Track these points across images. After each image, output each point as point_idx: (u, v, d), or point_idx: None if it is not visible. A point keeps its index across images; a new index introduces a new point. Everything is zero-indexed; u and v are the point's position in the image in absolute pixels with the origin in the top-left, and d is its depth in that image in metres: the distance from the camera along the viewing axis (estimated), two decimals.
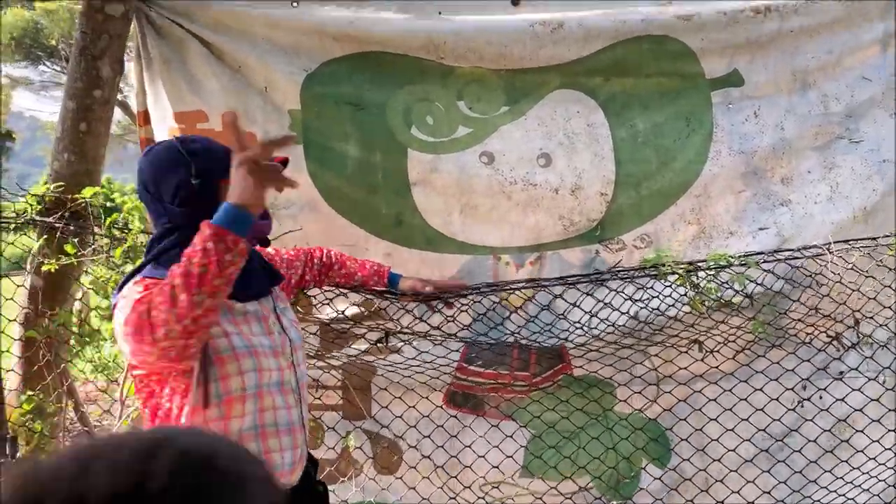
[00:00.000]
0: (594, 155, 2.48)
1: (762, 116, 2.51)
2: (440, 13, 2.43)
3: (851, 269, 2.27)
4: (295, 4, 2.43)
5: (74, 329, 2.33)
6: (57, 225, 2.23)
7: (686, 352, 2.38)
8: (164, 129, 2.49)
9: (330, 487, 2.46)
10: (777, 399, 2.40)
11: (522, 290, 2.48)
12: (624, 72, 2.48)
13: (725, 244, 2.50)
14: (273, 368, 1.54)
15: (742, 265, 2.28)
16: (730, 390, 2.44)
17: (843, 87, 2.52)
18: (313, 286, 2.14)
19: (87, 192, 2.26)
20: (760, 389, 2.38)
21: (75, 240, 2.22)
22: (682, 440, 2.49)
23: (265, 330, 1.57)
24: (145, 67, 2.47)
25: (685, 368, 2.46)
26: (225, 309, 1.48)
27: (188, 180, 1.50)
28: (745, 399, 2.41)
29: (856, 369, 2.44)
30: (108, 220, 2.23)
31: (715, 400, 2.45)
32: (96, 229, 2.25)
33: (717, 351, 2.37)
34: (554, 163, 2.47)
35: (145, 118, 2.53)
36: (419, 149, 2.44)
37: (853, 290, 2.31)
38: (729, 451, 2.45)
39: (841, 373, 2.46)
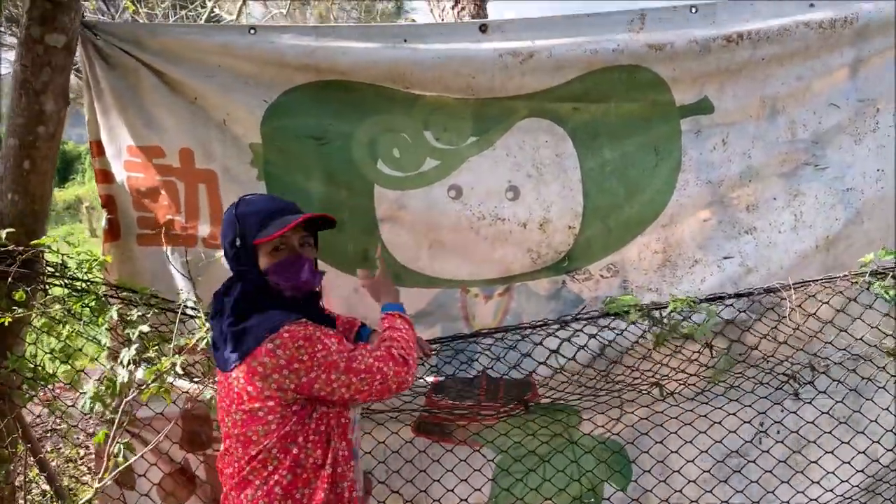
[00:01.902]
0: (562, 186, 2.45)
1: (730, 144, 2.50)
2: (405, 41, 2.33)
3: (808, 304, 2.32)
4: (252, 32, 2.30)
5: (28, 374, 2.26)
6: (7, 271, 2.14)
7: (648, 392, 2.43)
8: (120, 161, 2.39)
9: None
10: (735, 431, 2.47)
11: (492, 319, 2.50)
12: (594, 100, 2.43)
13: (690, 272, 2.53)
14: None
15: (705, 302, 2.31)
16: (691, 410, 2.51)
17: (810, 114, 2.51)
18: None
19: (44, 240, 2.17)
20: (719, 422, 2.45)
21: (28, 288, 2.13)
22: (642, 452, 2.56)
23: None
24: (96, 98, 2.35)
25: (649, 394, 2.51)
26: None
27: (234, 241, 1.73)
28: (705, 431, 2.48)
29: (819, 394, 2.51)
30: (64, 269, 2.15)
31: (677, 417, 2.51)
32: (52, 280, 2.16)
33: (678, 393, 2.42)
34: (522, 196, 2.44)
35: (99, 149, 2.42)
36: (385, 185, 2.38)
37: (808, 335, 2.36)
38: (688, 461, 2.52)
39: (796, 393, 2.54)
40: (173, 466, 2.50)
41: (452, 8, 4.91)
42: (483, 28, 2.36)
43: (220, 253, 2.39)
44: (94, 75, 2.30)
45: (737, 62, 2.41)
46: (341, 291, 2.41)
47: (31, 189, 2.25)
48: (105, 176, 2.42)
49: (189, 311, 2.23)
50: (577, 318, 2.33)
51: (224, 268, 2.36)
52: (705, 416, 2.47)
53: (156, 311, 2.22)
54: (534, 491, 2.54)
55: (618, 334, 2.34)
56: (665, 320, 2.32)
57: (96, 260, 2.19)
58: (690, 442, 2.47)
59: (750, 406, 2.46)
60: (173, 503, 2.50)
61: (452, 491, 2.49)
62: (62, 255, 2.20)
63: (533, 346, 2.37)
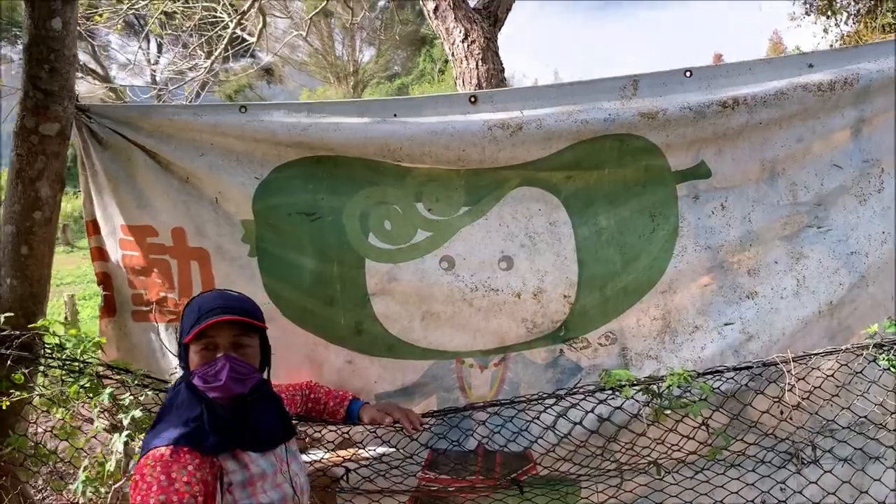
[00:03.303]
0: (556, 256, 2.42)
1: (729, 208, 2.45)
2: (395, 115, 2.33)
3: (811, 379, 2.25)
4: (243, 111, 2.32)
5: (29, 452, 2.29)
6: (6, 353, 2.17)
7: (645, 471, 2.38)
8: (115, 240, 2.42)
9: None
10: None
11: (488, 389, 2.48)
12: (586, 168, 2.40)
13: (691, 339, 2.48)
14: None
15: (703, 376, 2.25)
16: (691, 488, 2.44)
17: (812, 175, 2.46)
18: None
19: (42, 323, 2.20)
20: (721, 501, 2.38)
21: (26, 371, 2.17)
22: None
23: (274, 483, 1.63)
24: (90, 178, 2.38)
25: (647, 472, 2.45)
26: (241, 467, 1.57)
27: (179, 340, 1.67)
28: (721, 501, 2.42)
29: (824, 473, 2.44)
30: (61, 352, 2.18)
31: (677, 496, 2.45)
32: (49, 361, 2.19)
33: (677, 472, 2.37)
34: (516, 266, 2.42)
35: (94, 227, 2.45)
36: (376, 258, 2.37)
37: (811, 411, 2.29)
38: None
39: (799, 471, 2.46)
40: None
41: (462, 42, 4.92)
42: (473, 99, 2.35)
43: None
44: (89, 156, 2.33)
45: (733, 126, 2.37)
46: (333, 364, 2.40)
47: (30, 273, 2.29)
48: (101, 254, 2.44)
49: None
50: (573, 391, 2.29)
51: None
52: (706, 494, 2.40)
53: (148, 392, 2.23)
54: None
55: (614, 409, 2.29)
56: (663, 394, 2.27)
57: (91, 340, 2.21)
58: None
59: (752, 485, 2.39)
60: None
61: None
62: (58, 336, 2.23)
63: (529, 420, 2.34)
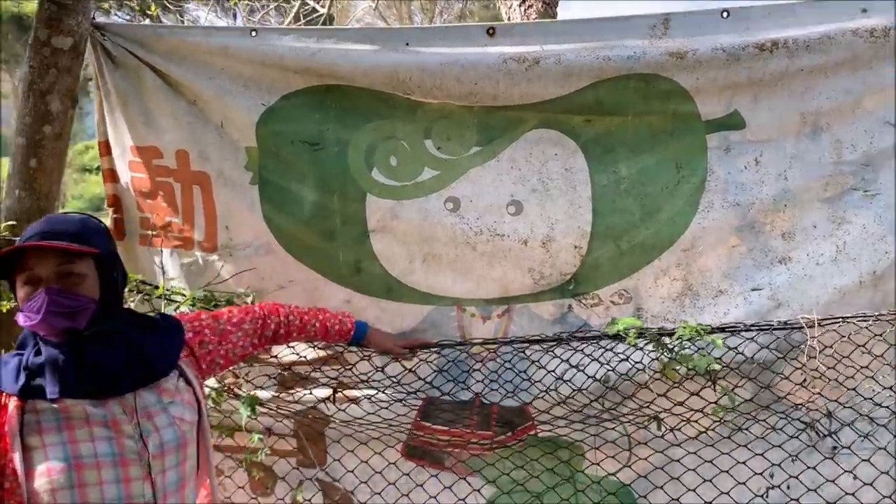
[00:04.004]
0: (570, 203, 2.28)
1: (764, 164, 2.25)
2: (407, 44, 2.24)
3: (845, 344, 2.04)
4: (253, 34, 2.28)
5: None
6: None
7: (645, 427, 2.20)
8: (124, 161, 2.42)
9: None
10: (745, 483, 2.20)
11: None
12: (609, 112, 2.25)
13: (713, 303, 2.29)
14: (110, 481, 1.38)
15: (714, 332, 2.08)
16: (712, 461, 2.25)
17: (860, 132, 2.23)
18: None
19: None
20: (728, 472, 2.19)
21: None
22: (650, 491, 2.31)
23: (111, 434, 1.40)
24: (104, 98, 2.40)
25: (661, 437, 2.28)
26: (58, 412, 1.37)
27: None
28: (711, 479, 2.22)
29: (848, 448, 2.21)
30: None
31: (695, 470, 2.26)
32: None
33: (679, 429, 2.19)
34: (525, 211, 2.28)
35: (106, 148, 2.46)
36: (379, 194, 2.29)
37: (831, 381, 2.08)
38: None
39: (833, 448, 2.24)
40: None
41: (520, 6, 4.82)
42: (491, 31, 2.23)
43: (216, 257, 2.38)
44: (103, 75, 2.34)
45: (771, 72, 2.17)
46: (331, 302, 2.32)
47: (38, 187, 2.31)
48: (112, 175, 2.45)
49: (175, 298, 2.20)
50: (574, 336, 2.15)
51: (217, 272, 2.37)
52: (711, 461, 2.20)
53: (144, 297, 2.21)
54: None
55: (620, 360, 2.14)
56: (672, 348, 2.10)
57: None
58: (694, 490, 2.22)
59: (762, 455, 2.18)
60: None
61: None
62: None
63: (530, 363, 2.21)
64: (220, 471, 2.41)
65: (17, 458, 1.34)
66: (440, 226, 2.28)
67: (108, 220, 2.51)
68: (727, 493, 2.22)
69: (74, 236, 1.42)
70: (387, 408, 2.29)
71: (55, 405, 1.37)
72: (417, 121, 2.29)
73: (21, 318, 1.40)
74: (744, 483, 2.20)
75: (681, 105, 2.23)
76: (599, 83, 2.20)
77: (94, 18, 2.29)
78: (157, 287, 2.24)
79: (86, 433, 1.38)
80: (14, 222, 2.24)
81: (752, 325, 2.06)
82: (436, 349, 2.28)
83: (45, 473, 1.34)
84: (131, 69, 2.31)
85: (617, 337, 2.13)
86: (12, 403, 1.37)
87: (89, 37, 2.28)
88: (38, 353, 1.42)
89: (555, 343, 2.19)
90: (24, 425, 1.36)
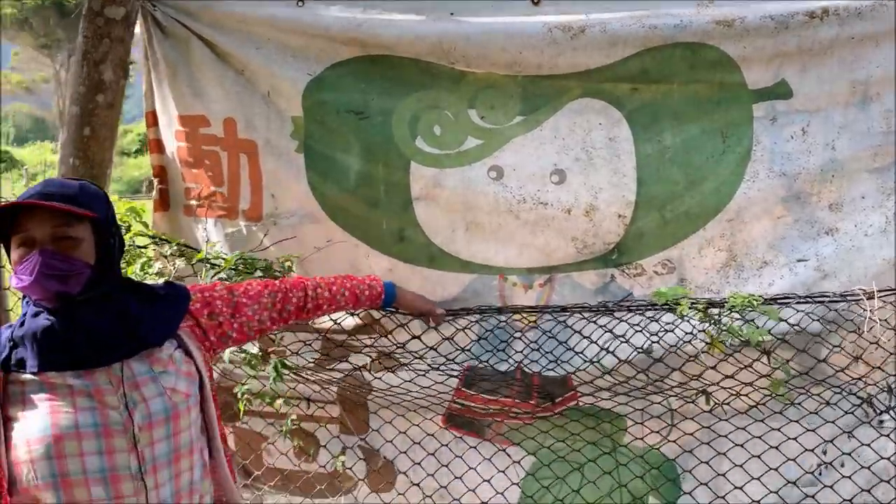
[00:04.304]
0: (614, 172, 2.27)
1: (811, 133, 2.23)
2: (452, 14, 2.25)
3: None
4: (300, 4, 2.31)
5: None
6: None
7: (693, 401, 2.19)
8: (171, 131, 2.46)
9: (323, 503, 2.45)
10: (795, 460, 2.17)
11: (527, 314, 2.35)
12: (654, 80, 2.24)
13: (758, 274, 2.27)
14: (92, 452, 1.33)
15: (768, 303, 2.06)
16: (761, 437, 2.22)
17: None
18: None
19: None
20: (775, 449, 2.16)
21: None
22: (700, 484, 2.30)
23: (94, 405, 1.35)
24: (152, 68, 2.44)
25: (708, 412, 2.26)
26: (41, 384, 1.34)
27: None
28: (776, 447, 2.19)
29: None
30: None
31: (742, 445, 2.24)
32: None
33: (727, 403, 2.17)
34: (568, 180, 2.28)
35: (154, 118, 2.50)
36: (422, 162, 2.30)
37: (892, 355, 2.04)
38: (740, 488, 2.24)
39: (881, 422, 2.21)
40: None
41: None
42: (535, 0, 2.24)
43: (260, 225, 2.41)
44: (152, 46, 2.39)
45: (821, 40, 2.15)
46: (374, 271, 2.34)
47: (91, 155, 2.36)
48: (158, 146, 2.50)
49: (216, 262, 2.22)
50: (620, 306, 2.15)
51: (260, 241, 2.40)
52: (760, 437, 2.18)
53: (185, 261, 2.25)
54: (573, 491, 2.34)
55: (666, 331, 2.12)
56: (721, 319, 2.09)
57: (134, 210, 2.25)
58: (741, 466, 2.20)
59: (814, 431, 2.14)
60: None
61: (473, 491, 2.34)
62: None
63: (572, 333, 2.20)
64: (265, 437, 2.44)
65: None
66: (483, 194, 2.29)
67: (153, 192, 2.56)
68: (775, 470, 2.19)
69: (72, 199, 1.36)
70: (426, 375, 2.30)
71: (37, 377, 1.34)
72: (461, 90, 2.30)
73: (14, 281, 1.36)
74: (794, 460, 2.17)
75: (727, 74, 2.21)
76: (645, 52, 2.20)
77: None
78: (198, 251, 2.26)
79: (68, 404, 1.33)
80: None
81: (808, 297, 2.03)
82: (476, 317, 2.28)
83: (25, 444, 1.32)
84: (180, 39, 2.35)
85: (666, 307, 2.11)
86: None
87: (140, 7, 2.33)
88: (23, 324, 1.38)
89: (600, 312, 2.18)
90: (9, 396, 1.34)
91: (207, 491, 1.51)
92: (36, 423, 1.32)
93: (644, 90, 2.26)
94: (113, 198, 2.13)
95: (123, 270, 2.14)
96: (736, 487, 2.22)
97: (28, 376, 1.34)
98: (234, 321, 1.65)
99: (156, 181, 2.53)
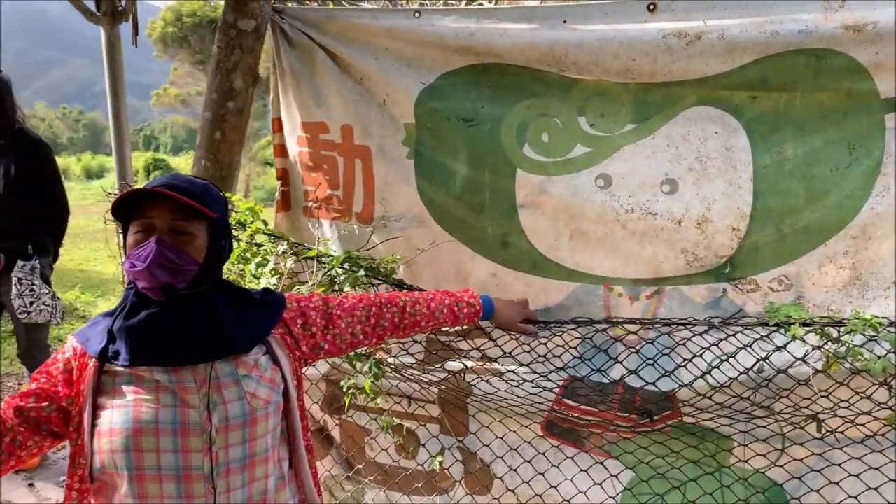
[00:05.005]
0: (729, 183, 2.20)
1: None
2: (565, 22, 2.26)
3: None
4: (417, 15, 2.39)
5: None
6: None
7: (802, 428, 2.07)
8: (294, 137, 2.61)
9: (420, 501, 2.50)
10: None
11: (629, 326, 2.30)
12: (776, 88, 2.14)
13: (885, 295, 2.12)
14: (168, 449, 1.36)
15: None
16: (879, 468, 2.08)
17: None
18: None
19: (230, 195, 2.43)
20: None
21: None
22: (806, 493, 2.17)
23: (176, 402, 1.38)
24: (279, 77, 2.59)
25: (820, 439, 2.13)
26: (131, 376, 1.39)
27: None
28: (877, 487, 2.05)
29: None
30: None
31: (858, 476, 2.10)
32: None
33: (841, 432, 2.03)
34: (680, 190, 2.23)
35: (279, 125, 2.66)
36: (528, 169, 2.32)
37: None
38: None
39: None
40: (314, 425, 2.64)
41: None
42: (651, 7, 2.21)
43: (371, 227, 2.51)
44: (279, 56, 2.54)
45: None
46: (478, 277, 2.38)
47: (221, 157, 2.55)
48: (282, 150, 2.66)
49: (324, 260, 2.32)
50: (728, 322, 2.07)
51: (373, 242, 2.49)
52: (878, 468, 2.03)
53: (290, 262, 2.36)
54: None
55: (778, 348, 2.03)
56: (841, 340, 1.96)
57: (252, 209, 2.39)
58: (856, 498, 2.05)
59: None
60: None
61: (569, 502, 2.32)
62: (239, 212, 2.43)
63: (676, 345, 2.14)
64: (368, 431, 2.53)
65: (86, 416, 1.38)
66: (589, 202, 2.27)
67: (277, 193, 2.72)
68: None
69: (196, 196, 1.40)
70: (528, 383, 2.31)
71: (128, 370, 1.39)
72: (572, 98, 2.30)
73: (126, 265, 1.39)
74: None
75: (857, 82, 2.09)
76: (765, 59, 2.11)
77: (274, 2, 2.50)
78: (310, 249, 2.38)
79: (152, 399, 1.37)
80: None
81: None
82: (579, 333, 2.26)
83: (107, 434, 1.36)
84: (305, 50, 2.50)
85: (778, 325, 2.01)
86: (91, 363, 1.41)
87: (270, 20, 2.49)
88: (121, 313, 1.42)
89: (711, 327, 2.10)
90: (101, 386, 1.40)
91: (285, 502, 1.51)
92: (119, 415, 1.36)
93: (764, 98, 2.17)
94: (251, 204, 2.29)
95: (241, 268, 2.29)
96: None
97: (120, 368, 1.39)
98: (327, 333, 1.67)
99: (279, 183, 2.69)
